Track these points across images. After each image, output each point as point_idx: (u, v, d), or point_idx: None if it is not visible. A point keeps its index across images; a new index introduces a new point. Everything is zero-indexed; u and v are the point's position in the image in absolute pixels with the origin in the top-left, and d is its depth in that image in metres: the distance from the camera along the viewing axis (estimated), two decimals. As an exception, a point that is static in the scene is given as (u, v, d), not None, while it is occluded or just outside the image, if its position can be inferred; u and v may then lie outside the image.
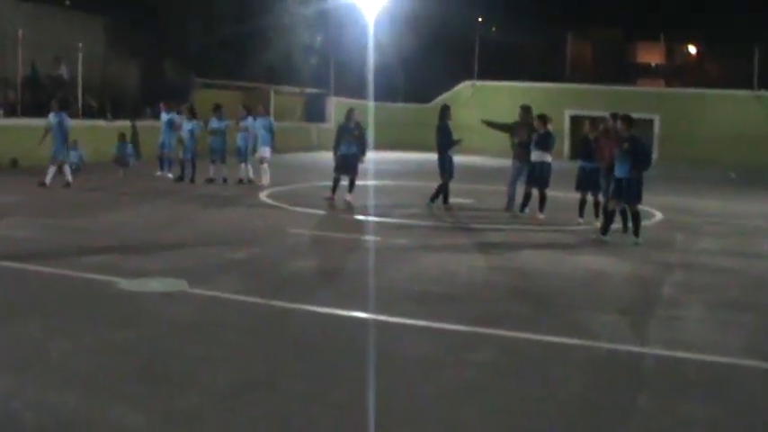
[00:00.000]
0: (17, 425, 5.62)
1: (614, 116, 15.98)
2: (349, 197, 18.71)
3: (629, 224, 15.02)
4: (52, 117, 21.15)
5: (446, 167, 18.69)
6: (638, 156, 14.37)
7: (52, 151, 20.84)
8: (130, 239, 13.30)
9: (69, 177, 20.67)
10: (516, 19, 55.04)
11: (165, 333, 7.95)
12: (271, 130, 22.78)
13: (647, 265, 12.61)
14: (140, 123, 30.03)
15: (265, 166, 22.47)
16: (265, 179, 22.18)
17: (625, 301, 10.09)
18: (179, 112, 24.85)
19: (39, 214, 15.94)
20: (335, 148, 19.29)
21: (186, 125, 23.42)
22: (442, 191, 18.71)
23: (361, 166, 19.33)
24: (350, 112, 19.41)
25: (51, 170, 20.55)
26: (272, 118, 23.27)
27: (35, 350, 7.27)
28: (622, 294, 10.51)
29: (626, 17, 62.64)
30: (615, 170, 14.46)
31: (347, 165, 18.95)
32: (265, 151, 22.57)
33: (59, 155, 20.80)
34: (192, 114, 23.70)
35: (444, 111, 19.15)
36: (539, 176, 17.22)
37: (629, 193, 14.36)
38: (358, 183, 19.50)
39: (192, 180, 22.61)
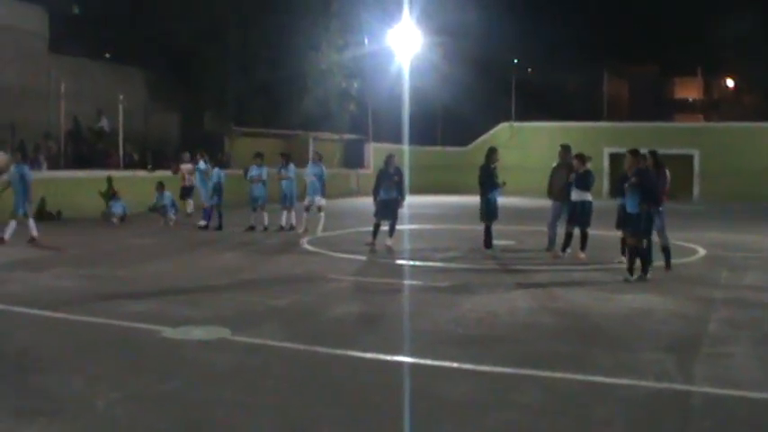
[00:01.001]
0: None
1: (652, 153, 15.94)
2: (389, 242, 18.74)
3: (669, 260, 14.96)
4: (13, 169, 19.92)
5: (483, 210, 18.68)
6: (646, 189, 14.24)
7: (13, 205, 19.59)
8: (173, 288, 13.39)
9: (34, 232, 19.64)
10: (552, 59, 55.22)
11: (208, 381, 7.98)
12: (322, 178, 22.72)
13: (692, 302, 12.48)
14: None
15: (322, 214, 22.49)
16: (320, 228, 22.21)
17: (670, 338, 9.98)
18: (205, 161, 26.50)
19: (83, 264, 16.14)
20: (375, 194, 19.35)
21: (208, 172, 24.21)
22: (487, 233, 18.66)
23: (400, 211, 19.36)
24: (389, 158, 19.48)
25: (11, 225, 19.53)
26: (323, 165, 23.25)
27: (82, 399, 7.33)
28: (667, 332, 10.38)
29: (662, 53, 62.54)
30: (627, 206, 14.40)
31: (387, 210, 18.99)
32: (321, 200, 22.51)
33: (20, 208, 19.57)
34: (218, 162, 24.38)
35: (489, 153, 19.11)
36: (579, 215, 17.14)
37: (637, 226, 14.28)
38: (399, 227, 19.55)
39: (219, 227, 22.98)
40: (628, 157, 14.64)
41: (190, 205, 28.25)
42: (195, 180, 27.75)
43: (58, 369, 8.34)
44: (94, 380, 7.95)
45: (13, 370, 8.37)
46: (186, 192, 28.60)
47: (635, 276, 14.28)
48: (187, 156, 28.93)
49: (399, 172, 19.28)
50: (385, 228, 18.94)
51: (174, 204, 26.00)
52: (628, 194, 14.36)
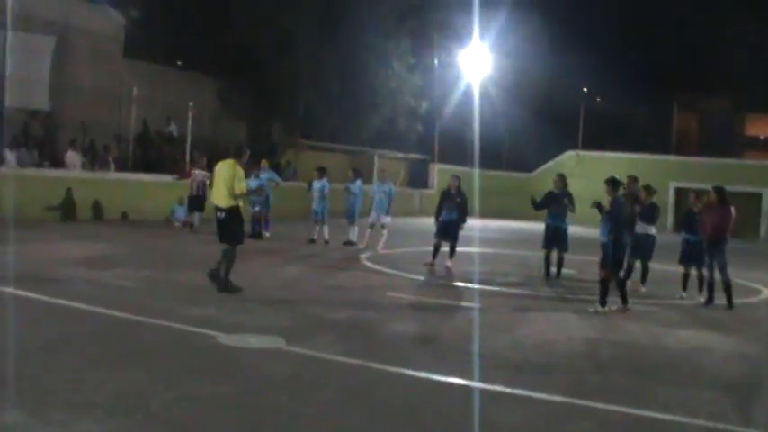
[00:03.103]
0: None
1: (717, 190, 15.72)
2: (449, 263, 18.73)
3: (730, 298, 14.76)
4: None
5: (545, 237, 18.65)
6: (615, 220, 13.96)
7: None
8: (231, 296, 13.46)
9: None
10: (622, 89, 54.77)
11: (260, 388, 8.02)
12: (390, 196, 22.65)
13: (753, 343, 12.29)
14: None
15: (386, 231, 22.51)
16: (381, 245, 22.23)
17: (728, 378, 9.81)
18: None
19: (145, 266, 16.34)
20: (437, 214, 19.39)
21: (252, 181, 23.78)
22: (546, 260, 18.61)
23: (462, 233, 19.35)
24: (453, 179, 19.54)
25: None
26: (392, 184, 23.29)
27: (137, 398, 7.42)
28: (726, 372, 10.22)
29: (735, 88, 61.71)
30: (600, 234, 14.19)
31: (447, 231, 19.01)
32: (386, 218, 22.48)
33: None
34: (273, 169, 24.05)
35: (557, 179, 19.06)
36: (642, 248, 16.96)
37: (605, 256, 13.99)
38: (460, 249, 19.53)
39: (256, 236, 22.73)
40: (606, 188, 14.36)
41: (197, 219, 24.66)
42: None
43: (115, 367, 8.46)
44: (150, 379, 8.05)
45: (72, 365, 8.49)
46: (196, 203, 24.88)
47: (604, 308, 13.90)
48: (204, 161, 25.15)
49: (462, 194, 19.30)
50: (446, 249, 18.94)
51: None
52: (601, 224, 14.15)
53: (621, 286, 14.20)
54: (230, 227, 13.77)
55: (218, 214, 13.77)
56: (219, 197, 13.71)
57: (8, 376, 7.80)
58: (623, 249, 14.10)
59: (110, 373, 8.18)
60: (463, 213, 19.23)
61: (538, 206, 18.73)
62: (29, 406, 7.03)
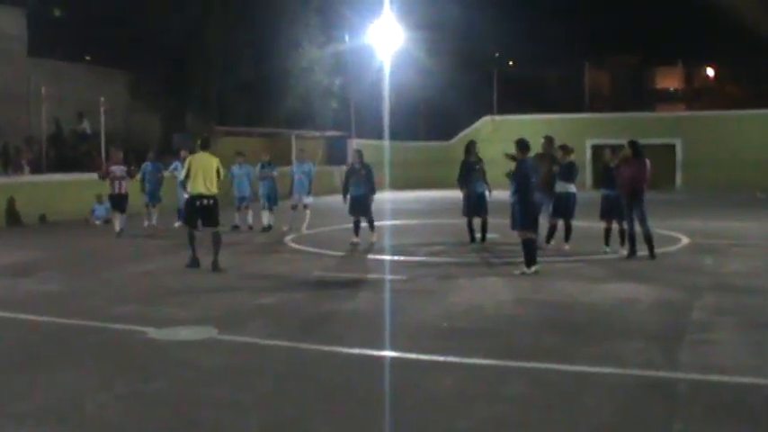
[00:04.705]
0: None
1: (631, 143, 15.99)
2: (373, 237, 18.79)
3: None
4: None
5: (464, 204, 18.79)
6: (519, 180, 14.19)
7: None
8: (157, 289, 13.37)
9: None
10: (533, 52, 55.30)
11: (195, 381, 7.99)
12: (310, 176, 22.56)
13: (676, 290, 12.54)
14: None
15: (308, 212, 22.44)
16: (305, 225, 22.18)
17: (655, 327, 10.02)
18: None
19: (66, 269, 16.11)
20: (344, 191, 19.41)
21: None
22: (468, 227, 18.78)
23: (381, 206, 19.37)
24: (355, 153, 19.64)
25: None
26: (312, 163, 23.20)
27: (70, 401, 7.34)
28: (652, 321, 10.43)
29: (642, 43, 62.65)
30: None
31: (359, 206, 19.01)
32: (308, 198, 22.42)
33: None
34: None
35: (468, 147, 19.23)
36: (564, 207, 17.19)
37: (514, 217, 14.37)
38: (383, 223, 19.59)
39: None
40: (516, 150, 14.49)
41: (121, 221, 22.31)
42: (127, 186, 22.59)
43: (44, 371, 8.33)
44: (81, 381, 7.95)
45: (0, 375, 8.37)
46: (118, 202, 22.47)
47: (530, 269, 14.09)
48: (120, 155, 23.31)
49: (367, 167, 19.28)
50: (365, 224, 18.98)
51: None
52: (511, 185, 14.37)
53: (528, 248, 14.25)
54: (216, 212, 15.47)
55: (206, 201, 15.23)
56: (207, 185, 15.18)
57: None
58: (532, 209, 14.24)
59: (39, 380, 8.05)
60: (370, 186, 19.18)
61: (461, 179, 18.83)
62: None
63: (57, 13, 35.48)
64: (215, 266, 15.13)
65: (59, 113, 32.55)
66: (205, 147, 15.65)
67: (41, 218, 26.96)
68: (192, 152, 16.20)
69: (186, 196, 16.09)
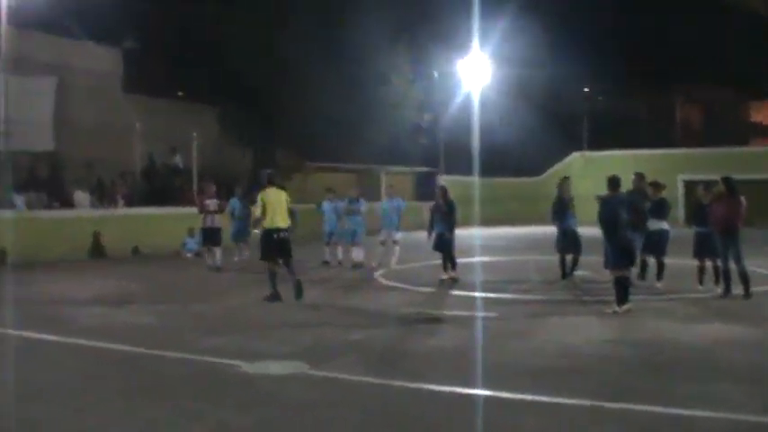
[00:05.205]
0: None
1: (725, 180, 15.67)
2: (453, 274, 18.73)
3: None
4: None
5: (558, 240, 18.63)
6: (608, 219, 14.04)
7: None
8: (248, 322, 13.54)
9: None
10: (623, 87, 54.80)
11: (286, 415, 8.03)
12: (399, 211, 22.58)
13: (774, 332, 12.26)
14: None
15: (398, 247, 22.52)
16: (394, 261, 22.25)
17: (750, 368, 9.78)
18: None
19: (159, 301, 16.40)
20: (429, 228, 19.40)
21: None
22: (561, 263, 18.61)
23: (469, 243, 19.32)
24: (439, 191, 19.65)
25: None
26: (401, 199, 23.32)
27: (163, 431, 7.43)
28: (747, 362, 10.18)
29: (736, 76, 61.58)
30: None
31: (441, 243, 18.98)
32: (397, 234, 22.48)
33: None
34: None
35: (561, 183, 19.09)
36: (656, 244, 16.94)
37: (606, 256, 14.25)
38: (471, 260, 19.49)
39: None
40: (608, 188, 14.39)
41: (218, 255, 22.62)
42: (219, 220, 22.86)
43: (136, 404, 8.47)
44: (174, 413, 8.08)
45: (95, 403, 8.52)
46: (213, 236, 22.69)
47: (623, 308, 13.85)
48: (213, 189, 23.29)
49: (450, 204, 19.20)
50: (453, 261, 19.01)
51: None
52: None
53: (620, 286, 14.03)
54: (290, 244, 16.13)
55: (282, 234, 15.85)
56: (282, 219, 15.86)
57: (30, 418, 7.85)
58: (624, 246, 14.02)
59: (134, 410, 8.20)
60: (450, 224, 19.12)
61: (555, 215, 18.69)
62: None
63: (149, 50, 36.17)
64: (299, 290, 15.75)
65: (152, 148, 33.27)
66: (272, 182, 16.22)
67: (134, 250, 27.57)
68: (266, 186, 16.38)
69: (257, 231, 16.49)
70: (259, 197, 16.06)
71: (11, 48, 24.60)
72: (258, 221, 16.13)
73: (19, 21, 24.57)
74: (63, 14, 26.40)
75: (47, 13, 25.34)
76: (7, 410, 8.19)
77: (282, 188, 16.70)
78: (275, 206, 15.80)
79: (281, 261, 16.06)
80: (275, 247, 15.85)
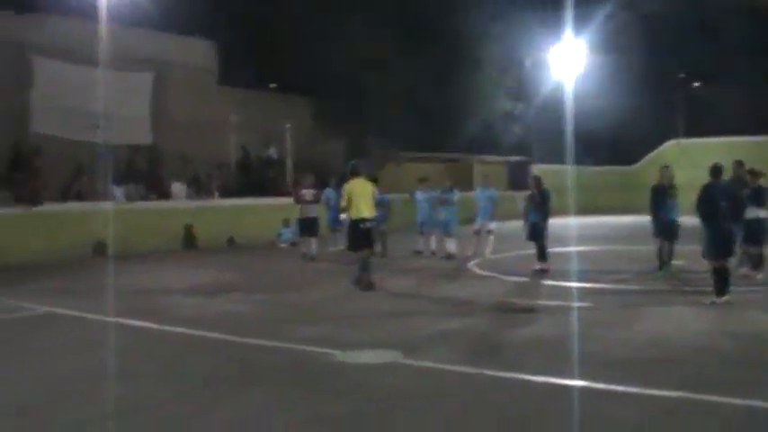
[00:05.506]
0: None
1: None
2: (539, 266, 18.59)
3: None
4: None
5: (656, 229, 18.34)
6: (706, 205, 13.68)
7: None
8: (342, 311, 13.67)
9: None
10: (720, 72, 53.62)
11: (380, 404, 8.09)
12: (494, 201, 22.60)
13: None
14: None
15: (492, 237, 22.53)
16: (488, 250, 22.26)
17: None
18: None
19: (253, 290, 16.65)
20: (525, 217, 19.30)
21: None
22: (658, 254, 18.32)
23: (564, 232, 19.17)
24: (532, 180, 19.50)
25: None
26: (495, 189, 23.30)
27: (256, 420, 7.60)
28: None
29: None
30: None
31: (533, 232, 18.89)
32: (491, 223, 22.52)
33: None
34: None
35: (661, 171, 18.78)
36: (754, 233, 16.59)
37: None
38: (565, 249, 19.33)
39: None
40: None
41: (314, 245, 22.88)
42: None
43: (232, 392, 8.60)
44: (268, 401, 8.22)
45: (191, 391, 8.72)
46: (310, 227, 22.88)
47: (721, 298, 13.52)
48: (310, 179, 23.53)
49: (544, 193, 19.06)
50: (552, 249, 18.87)
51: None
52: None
53: (718, 277, 13.74)
54: (373, 234, 16.69)
55: (367, 224, 16.17)
56: (367, 210, 16.13)
57: (128, 403, 8.07)
58: (723, 235, 13.74)
59: (227, 397, 8.34)
60: (543, 213, 19.00)
61: (655, 203, 18.39)
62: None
63: (242, 43, 36.57)
64: (365, 282, 16.07)
65: (246, 140, 33.70)
66: (356, 173, 16.55)
67: (229, 241, 28.02)
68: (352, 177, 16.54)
69: (343, 218, 17.49)
70: (344, 188, 16.38)
71: (110, 45, 25.13)
72: (343, 211, 16.81)
73: (117, 17, 25.07)
74: (158, 10, 26.87)
75: (143, 8, 25.82)
76: (106, 394, 8.43)
77: (375, 180, 16.91)
78: (360, 197, 16.11)
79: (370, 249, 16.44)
80: (362, 236, 16.15)
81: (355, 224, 16.16)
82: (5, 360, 10.58)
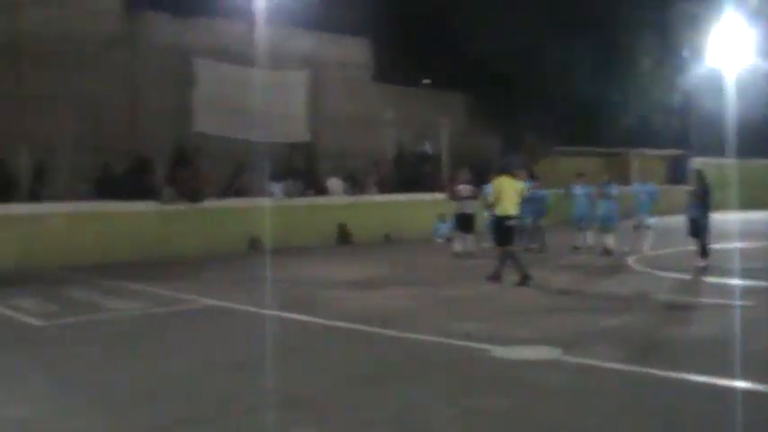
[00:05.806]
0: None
1: None
2: (701, 262, 18.10)
3: None
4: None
5: None
6: None
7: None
8: (498, 307, 13.67)
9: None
10: None
11: (539, 401, 8.04)
12: (653, 196, 22.21)
13: None
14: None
15: (651, 232, 22.15)
16: (647, 246, 21.91)
17: None
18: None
19: (410, 284, 16.82)
20: (687, 213, 18.86)
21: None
22: None
23: (726, 228, 18.66)
24: (695, 174, 19.01)
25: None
26: (654, 184, 22.92)
27: (416, 414, 7.65)
28: None
29: None
30: None
31: (694, 228, 18.45)
32: (651, 219, 22.15)
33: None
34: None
35: None
36: None
37: None
38: (726, 246, 18.84)
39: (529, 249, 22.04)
40: None
41: (469, 242, 22.74)
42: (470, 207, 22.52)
43: (390, 385, 8.71)
44: (428, 395, 8.26)
45: (350, 383, 8.87)
46: (466, 223, 22.70)
47: None
48: (467, 175, 23.17)
49: (704, 188, 18.56)
50: (712, 246, 18.41)
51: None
52: None
53: None
54: (515, 232, 16.67)
55: (512, 222, 16.30)
56: (513, 207, 16.29)
57: (290, 396, 8.26)
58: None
59: (385, 391, 8.45)
60: (704, 208, 18.49)
61: None
62: (314, 427, 7.39)
63: (395, 39, 36.82)
64: (497, 276, 16.33)
65: (401, 136, 33.96)
66: (506, 171, 16.99)
67: (386, 236, 28.29)
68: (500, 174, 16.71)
69: (487, 214, 17.78)
70: (493, 184, 16.66)
71: (268, 45, 25.69)
72: (490, 207, 17.02)
73: (274, 18, 25.63)
74: (314, 9, 27.32)
75: (299, 9, 26.31)
76: (271, 388, 8.61)
77: (532, 175, 16.93)
78: (507, 194, 16.30)
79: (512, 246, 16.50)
80: (505, 233, 16.31)
81: (500, 221, 16.34)
82: (175, 348, 11.00)
